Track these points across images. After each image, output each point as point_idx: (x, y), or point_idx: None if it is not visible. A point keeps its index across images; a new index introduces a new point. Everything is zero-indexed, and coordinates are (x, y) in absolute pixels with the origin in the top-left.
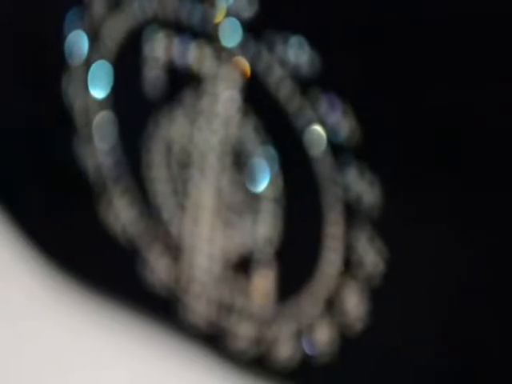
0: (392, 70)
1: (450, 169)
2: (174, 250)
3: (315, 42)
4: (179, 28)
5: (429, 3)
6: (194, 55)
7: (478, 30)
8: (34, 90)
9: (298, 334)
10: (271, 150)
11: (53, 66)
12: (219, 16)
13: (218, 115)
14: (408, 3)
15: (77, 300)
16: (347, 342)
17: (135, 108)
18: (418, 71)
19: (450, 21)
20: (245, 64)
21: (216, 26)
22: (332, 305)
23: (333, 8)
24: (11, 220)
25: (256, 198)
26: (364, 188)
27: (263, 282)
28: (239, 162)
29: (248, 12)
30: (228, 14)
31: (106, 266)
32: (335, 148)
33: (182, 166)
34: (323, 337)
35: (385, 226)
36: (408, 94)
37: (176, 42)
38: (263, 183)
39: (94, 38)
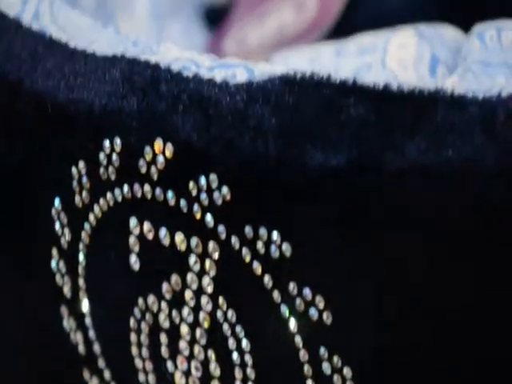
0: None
1: None
2: None
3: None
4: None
5: None
6: (170, 234)
7: None
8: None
9: None
10: (244, 326)
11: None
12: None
13: (194, 290)
14: None
15: None
16: None
17: (115, 285)
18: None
19: None
20: (219, 241)
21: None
22: None
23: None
24: None
25: (232, 368)
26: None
27: None
28: (214, 335)
29: (221, 201)
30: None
31: None
32: (307, 328)
33: (162, 343)
34: None
35: None
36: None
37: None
38: (237, 355)
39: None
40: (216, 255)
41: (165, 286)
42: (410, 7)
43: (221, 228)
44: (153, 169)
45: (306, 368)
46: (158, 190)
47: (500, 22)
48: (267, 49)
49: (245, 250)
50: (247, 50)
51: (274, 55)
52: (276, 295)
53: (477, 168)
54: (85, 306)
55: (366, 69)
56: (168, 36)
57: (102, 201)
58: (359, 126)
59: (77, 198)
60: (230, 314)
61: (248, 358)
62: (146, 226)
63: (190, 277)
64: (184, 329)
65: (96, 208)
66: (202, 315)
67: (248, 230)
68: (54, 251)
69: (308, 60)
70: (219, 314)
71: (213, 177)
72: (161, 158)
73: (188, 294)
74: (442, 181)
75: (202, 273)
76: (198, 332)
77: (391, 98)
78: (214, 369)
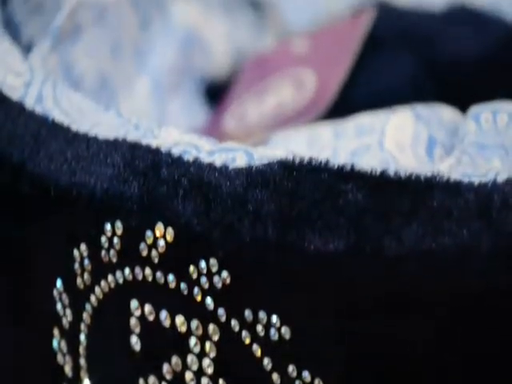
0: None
1: None
2: None
3: (286, 318)
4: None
5: None
6: (171, 317)
7: None
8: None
9: None
10: None
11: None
12: (198, 295)
13: (195, 371)
14: None
15: None
16: None
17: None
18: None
19: None
20: (219, 324)
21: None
22: None
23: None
24: None
25: None
26: None
27: None
28: None
29: (221, 285)
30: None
31: None
32: None
33: None
34: None
35: None
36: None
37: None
38: None
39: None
40: (216, 337)
41: (165, 367)
42: (410, 85)
43: (221, 311)
44: (154, 252)
45: None
46: (158, 273)
47: (496, 103)
48: (266, 126)
49: (244, 333)
50: (247, 127)
51: (274, 135)
52: (275, 377)
53: (474, 254)
54: None
55: (365, 150)
56: (169, 112)
57: (103, 283)
58: (357, 212)
59: (78, 280)
60: None
61: None
62: (147, 307)
63: (190, 358)
64: None
65: (97, 290)
66: None
67: (248, 313)
68: (56, 331)
69: (307, 141)
70: None
71: (213, 261)
72: (162, 242)
73: (188, 375)
74: (440, 266)
75: (202, 354)
76: None
77: (388, 184)
78: None
